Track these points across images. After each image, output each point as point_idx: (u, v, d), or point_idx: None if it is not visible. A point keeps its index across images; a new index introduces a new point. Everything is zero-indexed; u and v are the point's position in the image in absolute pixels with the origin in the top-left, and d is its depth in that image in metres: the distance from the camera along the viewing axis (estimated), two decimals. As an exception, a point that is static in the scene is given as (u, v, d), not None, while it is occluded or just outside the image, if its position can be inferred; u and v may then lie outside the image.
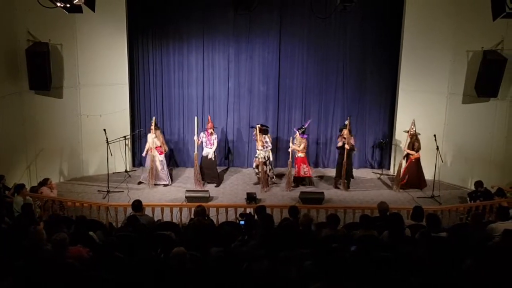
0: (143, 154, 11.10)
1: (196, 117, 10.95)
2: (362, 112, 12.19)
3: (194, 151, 10.96)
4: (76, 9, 7.28)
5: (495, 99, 10.44)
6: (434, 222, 6.07)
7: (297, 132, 10.96)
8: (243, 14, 10.79)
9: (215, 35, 11.78)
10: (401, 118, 11.66)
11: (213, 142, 10.98)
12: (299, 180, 11.09)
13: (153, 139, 10.72)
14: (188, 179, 11.35)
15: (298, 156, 10.91)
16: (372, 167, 12.40)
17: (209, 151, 10.97)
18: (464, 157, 11.17)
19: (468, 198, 9.79)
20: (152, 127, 10.70)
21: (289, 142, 10.82)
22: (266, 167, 10.82)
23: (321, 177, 11.75)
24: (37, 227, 5.58)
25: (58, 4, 6.74)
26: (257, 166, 10.97)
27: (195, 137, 10.83)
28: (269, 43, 11.85)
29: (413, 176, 10.88)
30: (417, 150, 10.73)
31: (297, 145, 10.85)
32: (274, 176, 11.18)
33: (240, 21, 11.62)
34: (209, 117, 11.12)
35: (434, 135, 10.49)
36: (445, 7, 10.81)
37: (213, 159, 11.01)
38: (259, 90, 12.11)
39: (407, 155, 10.86)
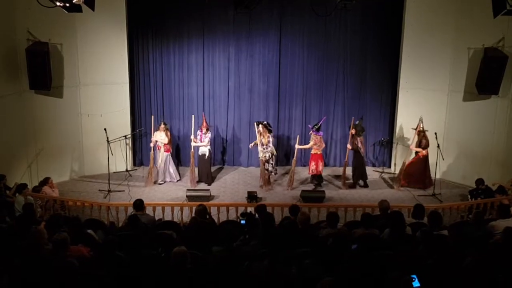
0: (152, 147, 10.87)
1: (193, 116, 10.94)
2: (363, 110, 12.14)
3: (191, 150, 10.94)
4: (76, 8, 7.29)
5: (496, 96, 10.42)
6: (436, 220, 6.05)
7: (311, 129, 10.77)
8: (243, 12, 10.77)
9: (215, 34, 11.77)
10: (401, 116, 11.66)
11: (206, 141, 10.90)
12: (319, 178, 10.88)
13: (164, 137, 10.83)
14: (189, 178, 11.33)
15: (314, 153, 10.65)
16: (373, 165, 12.38)
17: (204, 150, 10.95)
18: (465, 154, 11.16)
19: (469, 196, 9.79)
20: (162, 125, 10.79)
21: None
22: (269, 165, 10.79)
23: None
24: (38, 227, 5.58)
25: (58, 3, 6.74)
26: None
27: (192, 136, 10.84)
28: (269, 42, 11.84)
29: (419, 174, 10.78)
30: (425, 147, 10.62)
31: (311, 143, 10.71)
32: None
33: (240, 19, 11.59)
34: (203, 115, 11.08)
35: (435, 133, 10.47)
36: (446, 4, 10.81)
37: (206, 158, 10.97)
38: (260, 89, 12.10)
39: (416, 153, 10.78)
